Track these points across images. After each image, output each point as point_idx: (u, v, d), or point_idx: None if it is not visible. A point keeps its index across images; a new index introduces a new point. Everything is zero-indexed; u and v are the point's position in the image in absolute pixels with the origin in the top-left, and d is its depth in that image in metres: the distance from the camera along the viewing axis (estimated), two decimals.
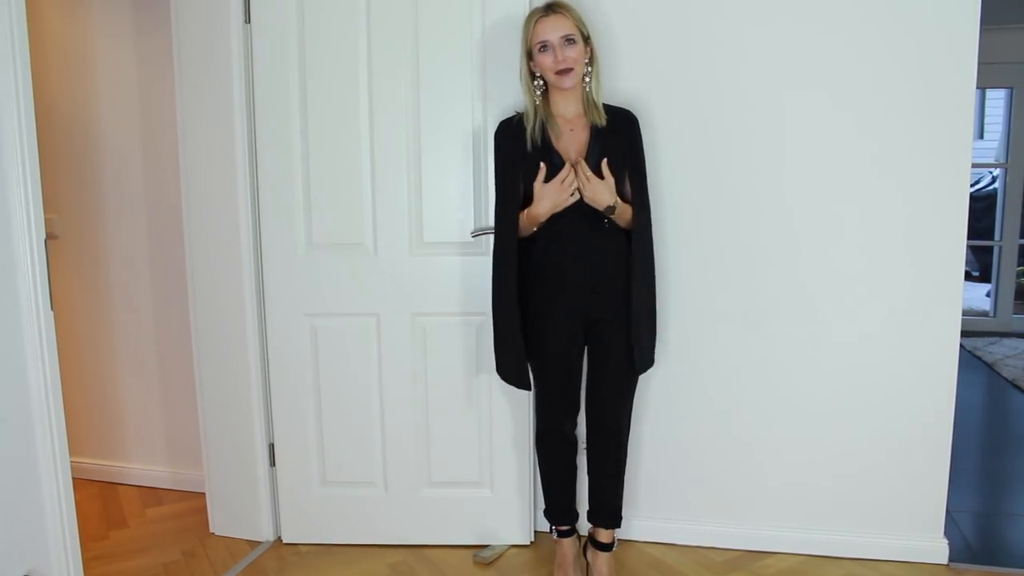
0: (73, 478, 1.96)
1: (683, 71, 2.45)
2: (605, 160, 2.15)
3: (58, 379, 1.88)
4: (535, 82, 2.20)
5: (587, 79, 2.20)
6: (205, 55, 2.51)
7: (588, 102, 2.21)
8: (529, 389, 2.33)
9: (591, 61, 2.19)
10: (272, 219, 2.57)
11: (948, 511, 2.55)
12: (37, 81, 1.87)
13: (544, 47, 2.13)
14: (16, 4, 1.75)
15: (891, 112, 2.36)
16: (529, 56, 2.18)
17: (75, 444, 2.50)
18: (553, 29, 2.12)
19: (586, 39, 2.17)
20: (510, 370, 2.32)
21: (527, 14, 2.20)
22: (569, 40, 2.12)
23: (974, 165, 2.56)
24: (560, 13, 2.14)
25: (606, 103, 2.25)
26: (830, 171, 2.42)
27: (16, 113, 1.77)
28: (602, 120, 2.20)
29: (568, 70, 2.12)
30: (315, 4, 2.46)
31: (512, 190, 2.24)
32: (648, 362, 2.31)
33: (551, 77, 2.15)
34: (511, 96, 2.45)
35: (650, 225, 2.27)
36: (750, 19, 2.39)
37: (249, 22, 2.49)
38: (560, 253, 2.23)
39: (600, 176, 2.15)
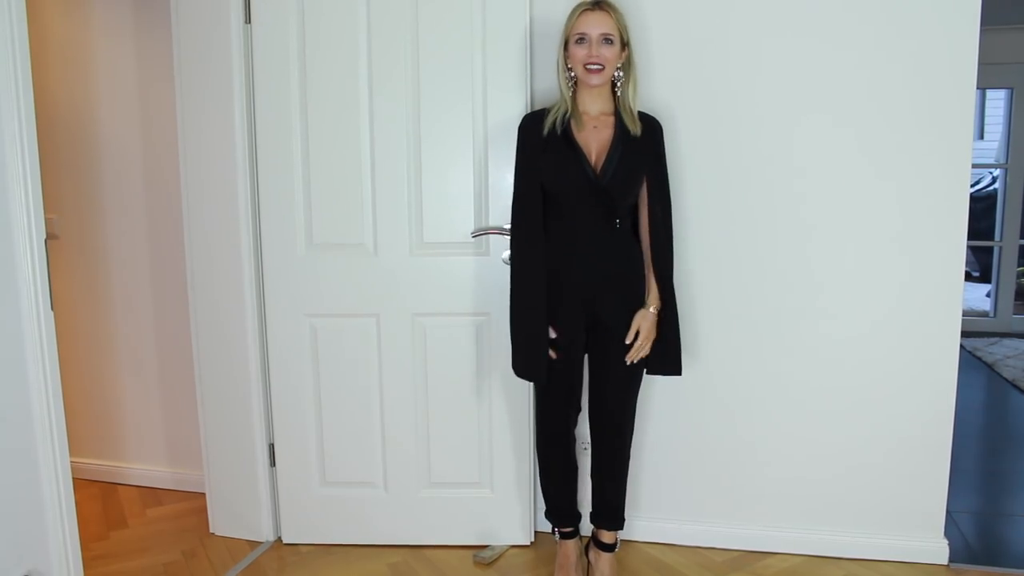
0: (73, 478, 1.96)
1: (696, 80, 2.46)
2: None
3: (58, 379, 1.88)
4: (568, 72, 2.20)
5: (618, 84, 2.20)
6: (205, 55, 2.51)
7: (622, 108, 2.21)
8: (546, 381, 2.28)
9: (625, 67, 2.19)
10: (272, 219, 2.57)
11: (948, 511, 2.55)
12: (37, 81, 1.87)
13: (581, 39, 2.13)
14: (16, 4, 1.75)
15: (891, 113, 2.36)
16: (565, 47, 2.18)
17: (75, 444, 2.50)
18: (595, 24, 2.12)
19: (624, 44, 2.17)
20: (532, 365, 2.25)
21: (574, 6, 2.19)
22: (607, 39, 2.12)
23: (974, 166, 2.56)
24: (605, 11, 2.14)
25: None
26: (832, 171, 2.42)
27: (16, 113, 1.77)
28: (637, 130, 2.19)
29: (599, 68, 2.12)
30: (315, 4, 2.46)
31: (534, 183, 2.23)
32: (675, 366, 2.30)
33: (580, 71, 2.15)
34: (512, 95, 2.45)
35: (671, 230, 2.29)
36: (758, 28, 2.40)
37: (249, 22, 2.49)
38: (570, 250, 2.22)
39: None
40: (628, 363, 2.24)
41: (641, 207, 2.27)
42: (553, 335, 2.24)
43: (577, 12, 2.16)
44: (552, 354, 2.25)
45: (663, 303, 2.25)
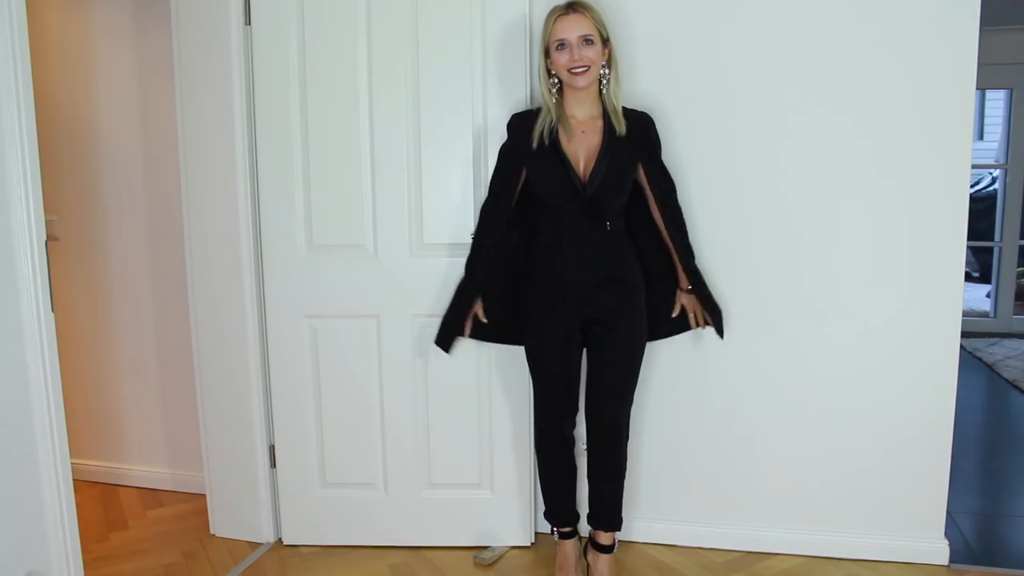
0: (73, 480, 1.95)
1: (693, 77, 2.45)
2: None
3: (59, 380, 1.88)
4: (551, 80, 2.19)
5: (604, 81, 2.19)
6: (205, 55, 2.51)
7: (608, 106, 2.21)
8: (447, 351, 2.40)
9: (609, 63, 2.19)
10: (272, 220, 2.57)
11: (948, 512, 2.55)
12: (37, 81, 1.87)
13: (561, 45, 2.13)
14: (16, 4, 1.75)
15: (891, 113, 2.36)
16: (546, 54, 2.17)
17: (75, 445, 2.49)
18: (572, 28, 2.12)
19: (605, 41, 2.16)
20: (441, 334, 2.40)
21: (548, 11, 2.19)
22: (587, 40, 2.12)
23: (974, 166, 2.56)
24: (580, 12, 2.13)
25: (624, 106, 2.25)
26: (832, 172, 2.42)
27: (16, 114, 1.76)
28: (622, 128, 2.19)
29: (583, 70, 2.12)
30: (315, 5, 2.46)
31: (509, 177, 2.27)
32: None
33: (565, 75, 2.15)
34: (511, 95, 2.45)
35: (680, 210, 2.34)
36: (757, 25, 2.39)
37: (249, 23, 2.49)
38: (562, 252, 2.23)
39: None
40: (699, 326, 2.41)
41: (647, 197, 2.29)
42: (484, 320, 2.39)
43: (552, 18, 2.15)
44: (467, 330, 2.40)
45: (692, 275, 2.32)
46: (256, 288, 2.62)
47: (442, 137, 2.49)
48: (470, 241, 2.50)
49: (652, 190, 2.26)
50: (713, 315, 2.35)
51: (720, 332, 2.37)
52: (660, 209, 2.27)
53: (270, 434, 2.70)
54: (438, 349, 2.41)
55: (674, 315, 2.38)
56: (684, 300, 2.37)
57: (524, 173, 2.26)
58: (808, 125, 2.41)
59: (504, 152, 2.31)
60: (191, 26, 2.52)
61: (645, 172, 2.25)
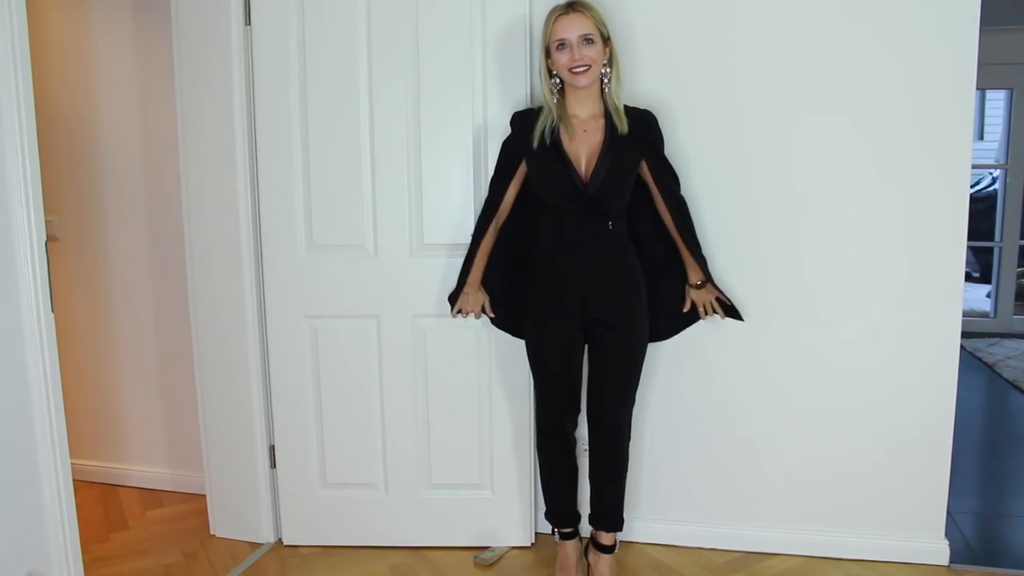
0: (73, 480, 1.95)
1: (694, 76, 2.45)
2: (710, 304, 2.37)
3: (59, 380, 1.88)
4: (552, 80, 2.19)
5: (605, 80, 2.19)
6: (205, 56, 2.51)
7: (609, 105, 2.20)
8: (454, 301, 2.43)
9: (610, 62, 2.19)
10: (272, 220, 2.57)
11: (949, 512, 2.55)
12: (37, 81, 1.87)
13: (562, 45, 2.12)
14: (16, 4, 1.75)
15: (891, 113, 2.36)
16: (547, 53, 2.17)
17: (75, 446, 2.50)
18: (572, 28, 2.11)
19: (606, 40, 2.16)
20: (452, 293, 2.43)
21: (548, 11, 2.19)
22: (587, 40, 2.11)
23: (974, 166, 2.57)
24: (580, 12, 2.13)
25: (625, 104, 2.24)
26: (832, 172, 2.42)
27: (16, 114, 1.76)
28: (624, 127, 2.19)
29: (584, 69, 2.12)
30: (315, 5, 2.46)
31: (507, 168, 2.28)
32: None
33: (566, 75, 2.14)
34: (512, 95, 2.45)
35: (686, 204, 2.32)
36: (758, 25, 2.39)
37: (249, 24, 2.49)
38: (564, 252, 2.24)
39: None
40: (718, 316, 2.38)
41: (652, 192, 2.28)
42: (490, 314, 2.44)
43: (552, 18, 2.15)
44: (473, 308, 2.42)
45: (704, 266, 2.30)
46: (256, 288, 2.62)
47: (442, 137, 2.49)
48: (471, 241, 2.51)
49: (657, 184, 2.26)
50: (726, 304, 2.36)
51: (740, 316, 2.39)
52: (666, 202, 2.26)
53: (270, 434, 2.70)
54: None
55: (685, 310, 2.37)
56: (694, 295, 2.36)
57: (524, 167, 2.26)
58: (809, 125, 2.41)
59: (506, 144, 2.31)
60: (191, 26, 2.52)
61: (649, 167, 2.25)
